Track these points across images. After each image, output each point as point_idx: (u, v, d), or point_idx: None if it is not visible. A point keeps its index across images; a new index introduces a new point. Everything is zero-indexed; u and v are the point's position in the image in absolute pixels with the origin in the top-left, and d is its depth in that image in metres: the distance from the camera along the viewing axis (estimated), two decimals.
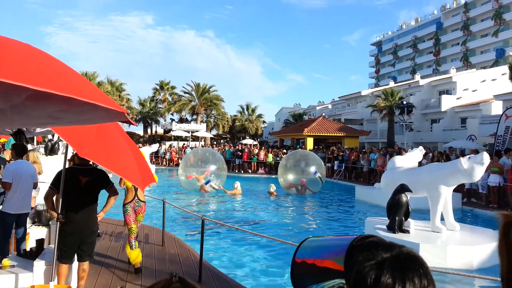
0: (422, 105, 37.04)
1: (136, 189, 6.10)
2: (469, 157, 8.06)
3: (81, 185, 4.54)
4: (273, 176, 26.29)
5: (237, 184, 17.83)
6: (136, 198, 6.13)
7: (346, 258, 0.85)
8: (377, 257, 0.81)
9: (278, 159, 28.22)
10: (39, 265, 4.82)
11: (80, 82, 1.58)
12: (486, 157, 7.73)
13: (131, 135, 49.80)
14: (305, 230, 11.28)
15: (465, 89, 35.64)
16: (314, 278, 0.90)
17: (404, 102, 30.23)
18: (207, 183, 17.90)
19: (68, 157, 5.38)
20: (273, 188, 18.06)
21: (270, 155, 28.71)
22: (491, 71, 37.81)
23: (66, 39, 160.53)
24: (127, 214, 6.12)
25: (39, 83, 1.31)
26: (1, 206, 5.83)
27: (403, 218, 8.22)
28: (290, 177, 18.56)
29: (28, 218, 6.42)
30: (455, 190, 9.86)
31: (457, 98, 35.27)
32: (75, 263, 4.86)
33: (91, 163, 4.81)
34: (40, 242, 5.60)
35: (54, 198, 4.77)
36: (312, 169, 18.40)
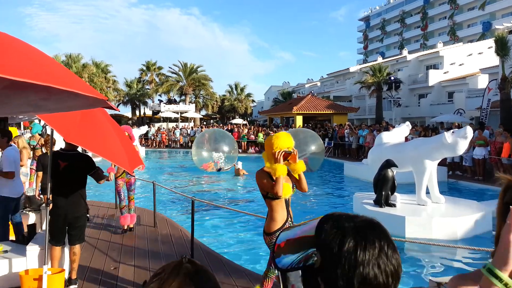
0: (410, 80, 37.20)
1: None
2: (453, 132, 8.22)
3: (59, 170, 4.55)
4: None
5: (240, 163, 17.76)
6: None
7: (316, 229, 0.96)
8: (341, 225, 0.92)
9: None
10: (32, 249, 4.88)
11: (58, 70, 1.60)
12: (469, 131, 7.89)
13: (119, 117, 49.37)
14: (296, 207, 11.48)
15: (452, 63, 35.81)
16: (292, 252, 1.00)
17: (392, 78, 30.35)
18: (219, 170, 17.86)
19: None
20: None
21: (261, 134, 28.80)
22: (478, 44, 37.96)
23: (47, 20, 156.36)
24: None
25: (17, 73, 1.34)
26: None
27: (390, 193, 8.41)
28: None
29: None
30: (440, 164, 10.07)
31: (444, 73, 35.47)
32: (68, 246, 4.93)
33: (79, 149, 4.83)
34: (32, 227, 5.67)
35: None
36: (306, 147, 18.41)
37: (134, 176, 7.37)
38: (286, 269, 1.01)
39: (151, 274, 0.98)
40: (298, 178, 3.79)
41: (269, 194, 3.71)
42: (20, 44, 1.59)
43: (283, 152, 3.56)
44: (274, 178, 3.57)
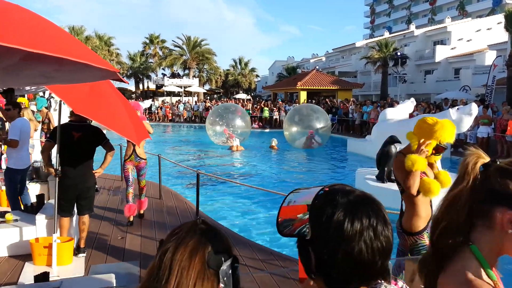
0: (416, 56, 36.68)
1: None
2: (457, 108, 8.21)
3: (73, 140, 4.64)
4: (267, 130, 26.48)
5: (237, 140, 17.88)
6: None
7: (312, 201, 0.96)
8: (334, 198, 0.92)
9: (272, 114, 28.31)
10: (41, 218, 5.02)
11: (71, 42, 1.63)
12: (474, 108, 7.88)
13: (123, 91, 49.24)
14: (299, 182, 11.59)
15: (459, 39, 35.20)
16: (290, 218, 0.99)
17: (398, 54, 29.95)
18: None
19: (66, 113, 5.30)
20: (274, 142, 18.01)
21: (266, 109, 28.72)
22: (487, 20, 37.18)
23: None
24: None
25: (32, 44, 1.37)
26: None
27: (392, 168, 8.47)
28: (294, 129, 18.59)
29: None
30: None
31: (452, 49, 34.92)
32: (77, 216, 5.05)
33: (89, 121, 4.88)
34: (40, 197, 5.79)
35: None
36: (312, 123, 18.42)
37: (144, 159, 6.41)
38: (283, 234, 1.01)
39: (168, 233, 1.04)
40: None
41: None
42: (33, 15, 1.61)
43: (438, 147, 2.90)
44: (407, 169, 2.89)
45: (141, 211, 6.56)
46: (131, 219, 6.26)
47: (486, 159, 1.11)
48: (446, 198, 1.14)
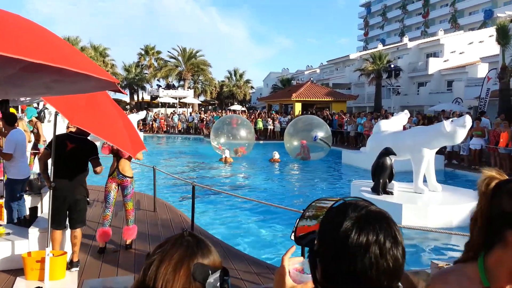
0: (410, 68, 37.07)
1: None
2: (451, 120, 8.27)
3: (66, 151, 4.61)
4: (261, 142, 26.48)
5: (227, 151, 17.80)
6: None
7: (325, 213, 0.95)
8: (345, 212, 0.90)
9: (267, 125, 28.35)
10: (34, 232, 4.95)
11: (72, 52, 1.63)
12: (468, 120, 7.94)
13: (118, 102, 49.12)
14: (294, 194, 11.57)
15: (452, 52, 35.65)
16: (309, 234, 1.01)
17: (392, 66, 30.26)
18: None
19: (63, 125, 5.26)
20: (277, 155, 17.76)
21: (260, 121, 28.74)
22: (479, 33, 37.75)
23: (44, 1, 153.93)
24: None
25: (35, 54, 1.36)
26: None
27: (387, 180, 8.49)
28: (295, 143, 18.53)
29: None
30: (437, 152, 10.14)
31: (444, 61, 35.35)
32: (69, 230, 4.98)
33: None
34: (33, 210, 5.72)
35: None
36: (313, 134, 18.37)
37: (129, 178, 5.64)
38: (298, 242, 1.01)
39: (155, 247, 1.03)
40: None
41: None
42: (33, 25, 1.61)
43: None
44: None
45: (128, 241, 5.73)
46: (102, 245, 5.54)
47: (501, 178, 1.10)
48: (470, 218, 1.17)
